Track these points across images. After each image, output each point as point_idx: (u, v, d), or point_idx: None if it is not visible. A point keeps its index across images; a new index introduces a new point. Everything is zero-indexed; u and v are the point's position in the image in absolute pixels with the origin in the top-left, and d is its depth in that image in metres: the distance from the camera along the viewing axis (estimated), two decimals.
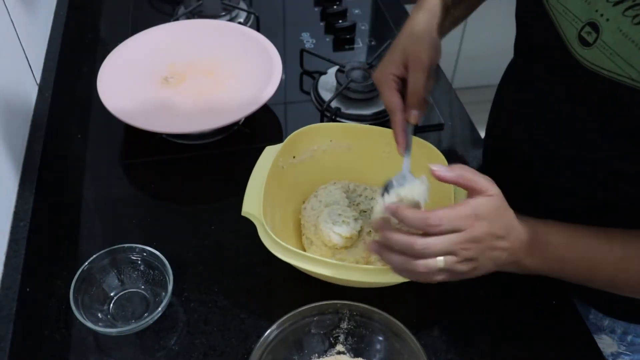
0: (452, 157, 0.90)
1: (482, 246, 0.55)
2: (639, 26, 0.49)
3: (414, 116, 0.67)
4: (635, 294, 0.64)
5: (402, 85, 0.68)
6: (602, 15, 0.53)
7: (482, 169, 0.87)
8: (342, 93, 0.94)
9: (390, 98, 0.67)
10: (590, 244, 0.60)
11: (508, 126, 0.77)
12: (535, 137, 0.70)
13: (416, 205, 0.59)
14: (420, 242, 0.54)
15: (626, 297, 0.65)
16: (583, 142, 0.63)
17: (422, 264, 0.54)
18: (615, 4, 0.52)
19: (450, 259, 0.54)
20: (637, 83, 0.51)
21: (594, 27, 0.54)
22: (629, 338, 0.76)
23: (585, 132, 0.62)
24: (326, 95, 0.97)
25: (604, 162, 0.62)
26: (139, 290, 0.70)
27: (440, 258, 0.54)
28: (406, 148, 0.66)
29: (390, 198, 0.60)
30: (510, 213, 0.58)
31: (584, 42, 0.55)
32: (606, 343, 0.77)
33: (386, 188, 0.61)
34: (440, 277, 0.56)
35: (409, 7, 1.23)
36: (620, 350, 0.78)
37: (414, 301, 0.71)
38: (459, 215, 0.54)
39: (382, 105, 0.96)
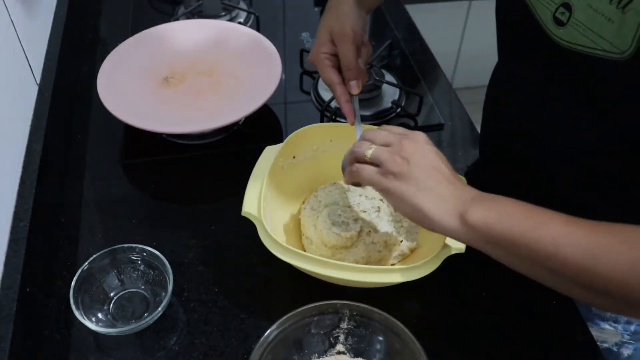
0: (453, 157, 0.90)
1: (415, 152, 0.58)
2: (606, 0, 0.52)
3: (353, 87, 0.72)
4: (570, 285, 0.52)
5: (338, 61, 0.73)
6: None
7: (479, 169, 0.87)
8: None
9: (326, 74, 0.73)
10: (550, 218, 0.52)
11: (501, 127, 0.77)
12: (529, 134, 0.70)
13: None
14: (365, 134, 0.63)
15: None
16: (576, 133, 0.63)
17: (358, 145, 0.62)
18: None
19: (380, 149, 0.60)
20: (609, 54, 0.53)
21: (567, 7, 0.56)
22: (633, 327, 0.76)
23: (578, 124, 0.62)
24: (326, 95, 0.97)
25: (597, 150, 0.62)
26: (139, 290, 0.70)
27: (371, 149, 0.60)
28: (355, 118, 0.71)
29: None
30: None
31: (558, 22, 0.58)
32: (610, 333, 0.77)
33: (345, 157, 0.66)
34: (368, 169, 0.60)
35: (409, 7, 1.23)
36: (624, 340, 0.78)
37: (414, 301, 0.71)
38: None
39: (382, 105, 0.96)
